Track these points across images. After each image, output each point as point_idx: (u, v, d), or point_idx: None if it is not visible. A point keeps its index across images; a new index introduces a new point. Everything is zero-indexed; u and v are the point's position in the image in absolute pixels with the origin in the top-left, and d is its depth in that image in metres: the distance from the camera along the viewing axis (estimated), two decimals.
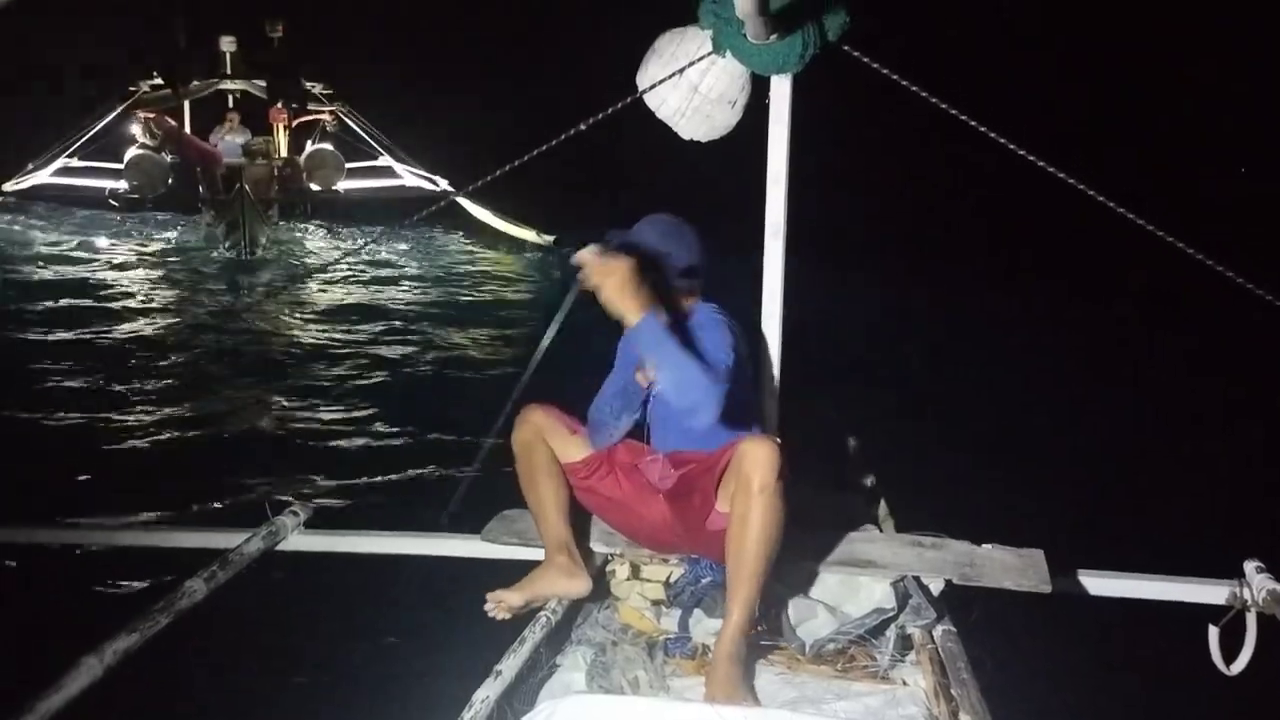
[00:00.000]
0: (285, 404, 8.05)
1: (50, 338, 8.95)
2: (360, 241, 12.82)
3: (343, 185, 13.60)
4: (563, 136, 3.30)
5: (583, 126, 3.27)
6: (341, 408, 7.97)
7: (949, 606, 2.86)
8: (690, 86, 3.19)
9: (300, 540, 3.25)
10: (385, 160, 14.11)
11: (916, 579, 2.90)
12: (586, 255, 2.51)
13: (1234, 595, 2.90)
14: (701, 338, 2.69)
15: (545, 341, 3.41)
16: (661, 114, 3.28)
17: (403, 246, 13.30)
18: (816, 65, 3.03)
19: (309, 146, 13.78)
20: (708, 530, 2.74)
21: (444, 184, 13.55)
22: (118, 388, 8.06)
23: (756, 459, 2.51)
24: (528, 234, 12.75)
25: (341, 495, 6.23)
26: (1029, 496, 5.34)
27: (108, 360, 8.51)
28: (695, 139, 3.31)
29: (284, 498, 3.34)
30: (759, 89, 3.17)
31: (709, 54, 3.12)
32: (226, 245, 11.93)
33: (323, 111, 14.33)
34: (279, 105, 13.90)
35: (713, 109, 3.21)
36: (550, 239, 12.26)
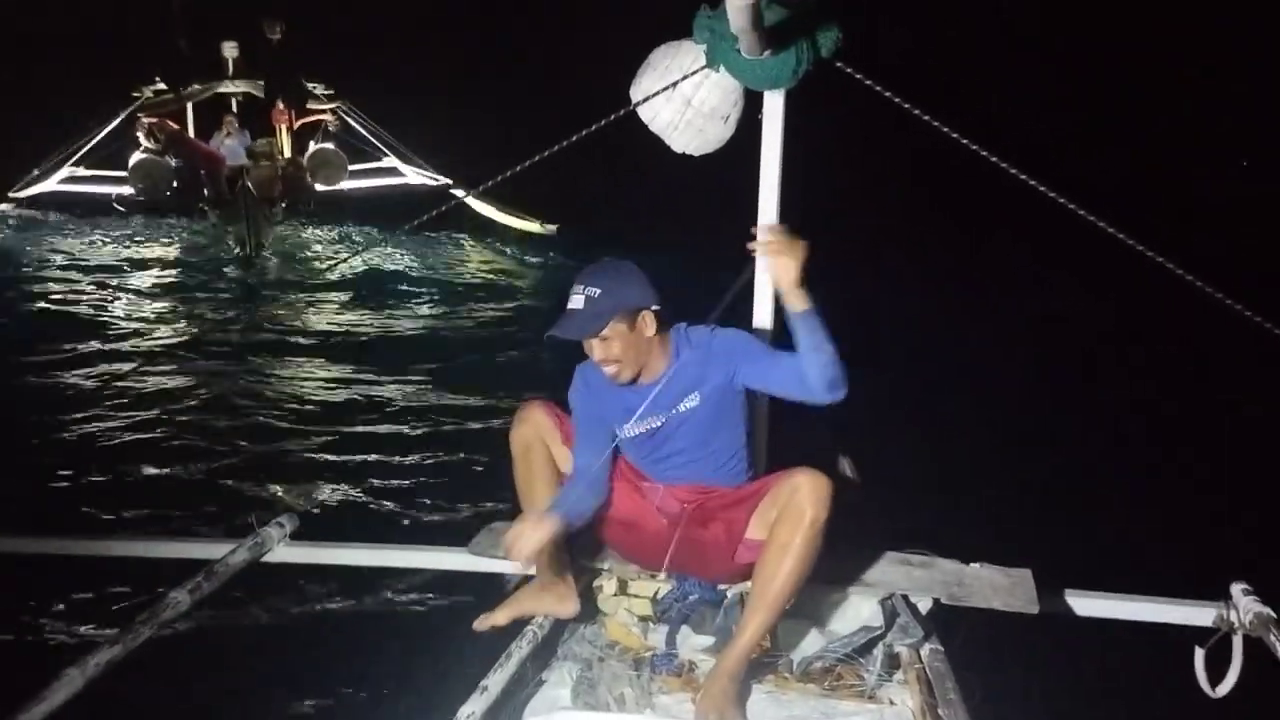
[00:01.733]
0: (277, 420, 8.03)
1: (54, 344, 8.93)
2: (364, 242, 12.92)
3: (346, 184, 13.67)
4: (555, 148, 3.29)
5: (574, 139, 3.26)
6: (333, 424, 7.95)
7: (937, 625, 2.85)
8: (683, 100, 3.18)
9: (286, 552, 3.23)
10: (388, 159, 14.15)
11: (904, 597, 2.90)
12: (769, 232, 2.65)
13: (1220, 618, 2.90)
14: (741, 351, 2.71)
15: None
16: (654, 127, 3.27)
17: (405, 245, 13.34)
18: (810, 81, 3.03)
19: (312, 146, 13.82)
20: (734, 562, 2.72)
21: (447, 182, 13.61)
22: (112, 398, 8.05)
23: (812, 493, 2.52)
24: (530, 225, 12.82)
25: (328, 507, 6.21)
26: (1018, 516, 5.35)
27: (110, 365, 8.49)
28: (687, 153, 3.31)
29: (269, 511, 3.29)
30: (752, 104, 3.17)
31: (703, 68, 3.12)
32: (233, 246, 11.95)
33: (324, 111, 14.35)
34: (281, 106, 13.94)
35: (705, 123, 3.21)
36: (553, 229, 12.34)
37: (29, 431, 7.32)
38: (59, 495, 6.22)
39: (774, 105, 3.12)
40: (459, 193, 13.25)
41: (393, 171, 14.03)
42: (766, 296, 3.21)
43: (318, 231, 13.18)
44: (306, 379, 8.96)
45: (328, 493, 6.45)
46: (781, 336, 3.22)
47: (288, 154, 13.87)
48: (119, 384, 8.37)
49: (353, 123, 14.22)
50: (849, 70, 3.08)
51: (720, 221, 2.94)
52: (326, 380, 8.95)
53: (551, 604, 2.83)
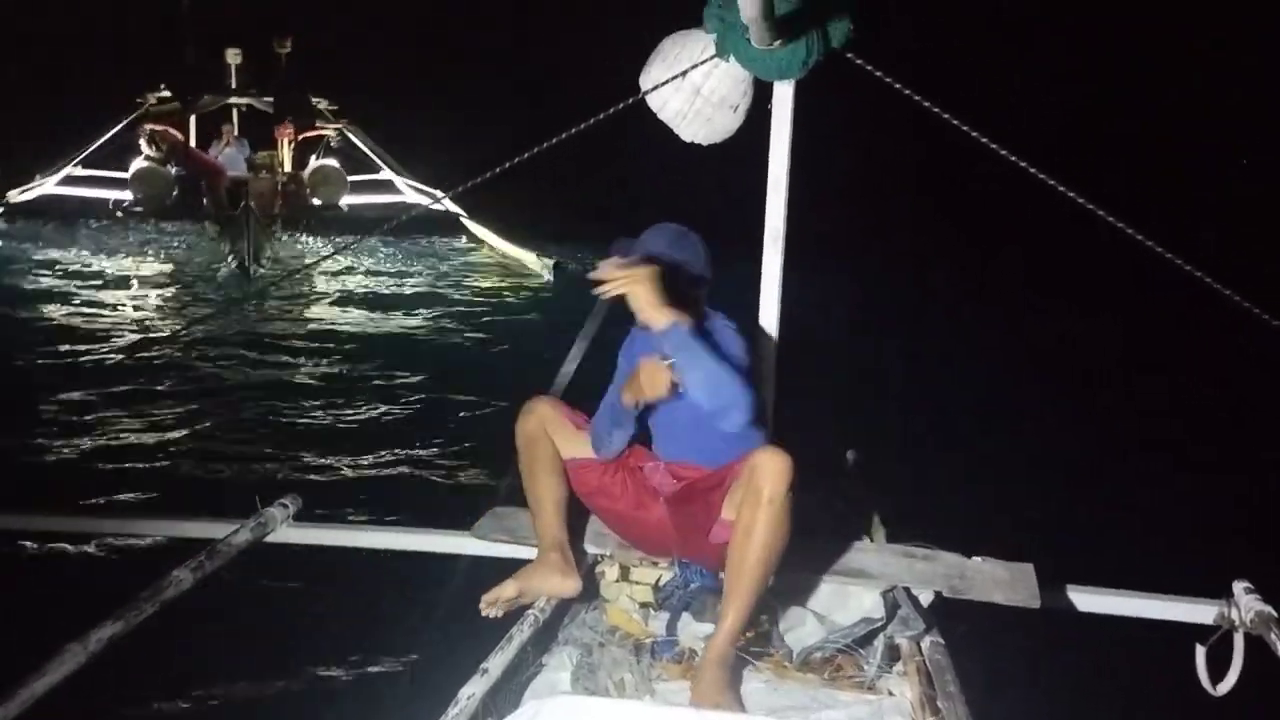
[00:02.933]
0: (281, 403, 8.05)
1: (51, 346, 8.96)
2: (361, 252, 12.93)
3: (346, 201, 13.59)
4: (563, 135, 3.30)
5: (583, 126, 3.27)
6: (337, 407, 7.97)
7: (938, 618, 2.85)
8: (693, 89, 3.19)
9: (289, 533, 3.23)
10: (388, 176, 14.08)
11: (906, 590, 2.89)
12: (611, 266, 2.56)
13: (1222, 615, 2.89)
14: (722, 342, 2.70)
15: (572, 364, 3.40)
16: (663, 116, 3.28)
17: (405, 250, 13.38)
18: (820, 72, 3.03)
19: (313, 162, 13.75)
20: (710, 542, 2.74)
21: (447, 200, 13.65)
22: (116, 388, 8.06)
23: (769, 470, 2.49)
24: (528, 257, 12.70)
25: (332, 489, 6.22)
26: (1021, 510, 5.34)
27: (107, 364, 8.52)
28: (696, 141, 3.31)
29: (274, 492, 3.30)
30: (761, 94, 3.17)
31: (712, 57, 3.12)
32: (231, 259, 11.90)
33: (327, 127, 14.32)
34: (284, 121, 13.90)
35: (714, 112, 3.21)
36: (550, 263, 12.15)
37: (32, 414, 7.36)
38: (63, 477, 6.24)
39: (783, 95, 3.12)
40: (465, 219, 13.34)
41: (392, 189, 13.99)
42: (773, 302, 3.21)
43: (315, 245, 13.18)
44: (309, 370, 8.99)
45: (332, 476, 6.47)
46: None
47: (288, 168, 13.80)
48: (121, 373, 8.41)
49: (355, 140, 14.18)
50: (859, 61, 3.08)
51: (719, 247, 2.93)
52: (330, 372, 8.99)
53: (555, 582, 2.85)
